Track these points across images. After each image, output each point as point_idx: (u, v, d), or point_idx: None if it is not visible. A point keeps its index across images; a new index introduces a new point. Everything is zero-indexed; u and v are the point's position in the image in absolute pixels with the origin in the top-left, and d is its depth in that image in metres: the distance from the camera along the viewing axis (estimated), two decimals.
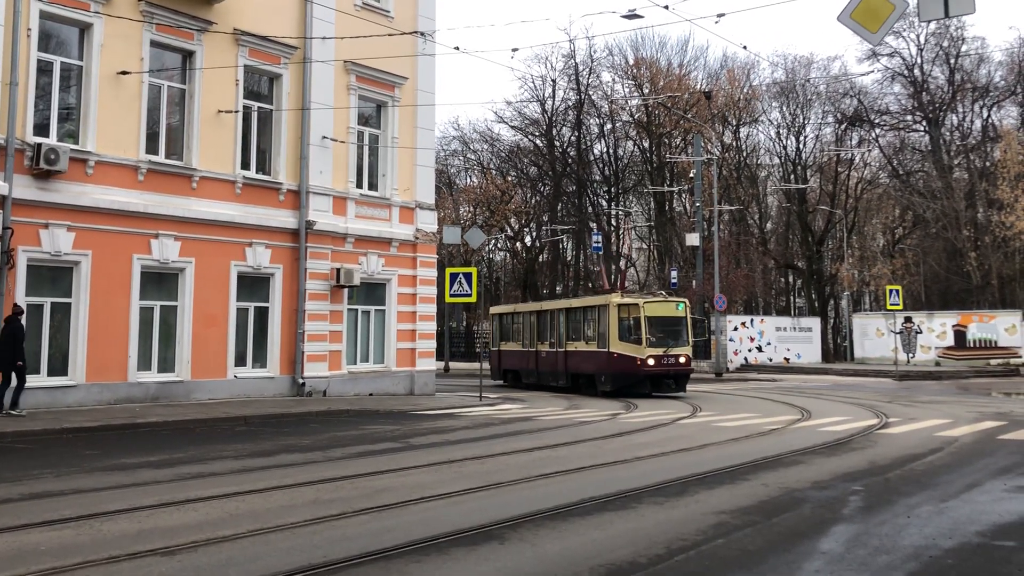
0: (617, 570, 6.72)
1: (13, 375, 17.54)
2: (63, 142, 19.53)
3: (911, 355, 45.59)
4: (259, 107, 23.64)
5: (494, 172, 63.98)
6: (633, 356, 27.13)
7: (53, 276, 19.52)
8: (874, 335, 49.38)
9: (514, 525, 8.21)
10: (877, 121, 62.63)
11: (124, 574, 6.55)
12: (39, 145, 18.70)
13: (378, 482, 10.72)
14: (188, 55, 21.94)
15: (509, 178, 63.94)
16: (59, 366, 19.44)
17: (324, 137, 24.33)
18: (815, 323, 53.93)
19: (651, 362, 26.98)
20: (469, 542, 7.56)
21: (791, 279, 69.30)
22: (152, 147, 21.19)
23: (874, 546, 7.52)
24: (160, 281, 21.29)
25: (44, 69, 19.67)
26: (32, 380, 18.50)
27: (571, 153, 62.52)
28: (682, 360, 27.59)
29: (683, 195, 59.14)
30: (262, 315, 23.28)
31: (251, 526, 8.04)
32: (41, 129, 19.41)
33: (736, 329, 48.34)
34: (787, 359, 49.74)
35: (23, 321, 17.92)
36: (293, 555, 7.05)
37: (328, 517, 8.46)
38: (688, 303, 29.42)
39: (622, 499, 9.58)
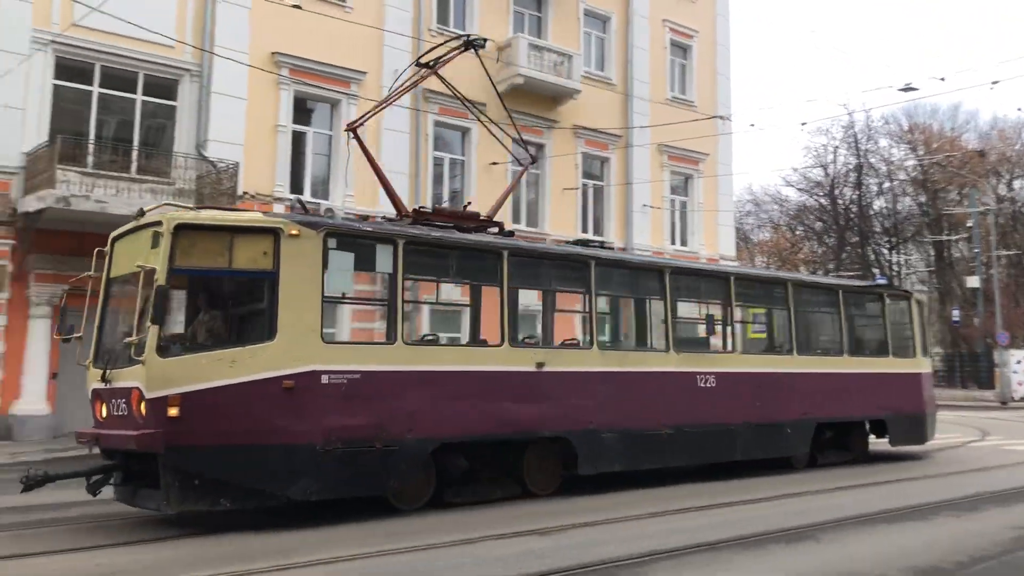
0: (922, 572, 6.34)
1: None
2: None
3: None
4: (593, 184, 24.56)
5: (784, 228, 61.71)
6: None
7: None
8: None
9: (824, 528, 7.97)
10: None
11: None
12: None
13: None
14: (539, 147, 23.20)
15: (797, 232, 61.37)
16: None
17: (644, 205, 24.88)
18: None
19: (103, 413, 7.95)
20: (787, 540, 7.45)
21: None
22: (515, 217, 22.48)
23: None
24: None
25: (437, 162, 21.63)
26: None
27: (853, 209, 58.92)
28: (137, 413, 7.24)
29: (960, 243, 53.95)
30: None
31: None
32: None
33: (1020, 362, 43.11)
34: None
35: None
36: None
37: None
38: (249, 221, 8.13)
39: (920, 511, 8.98)
